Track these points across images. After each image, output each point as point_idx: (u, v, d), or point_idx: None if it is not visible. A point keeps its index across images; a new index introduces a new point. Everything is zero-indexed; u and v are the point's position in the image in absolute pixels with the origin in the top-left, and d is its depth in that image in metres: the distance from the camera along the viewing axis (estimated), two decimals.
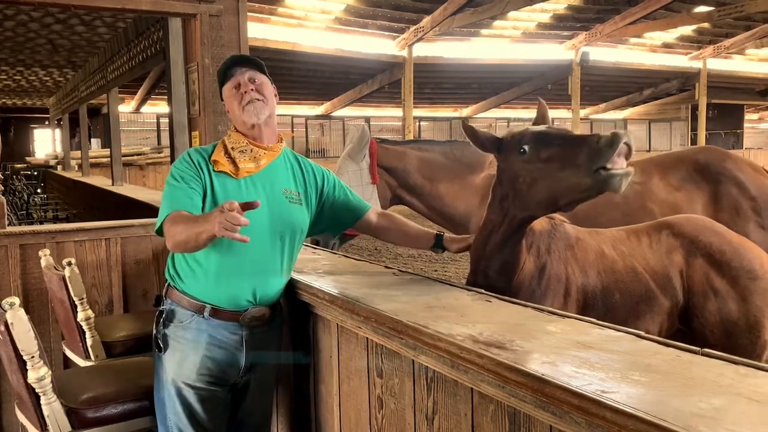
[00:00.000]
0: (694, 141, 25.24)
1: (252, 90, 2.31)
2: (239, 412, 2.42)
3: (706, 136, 24.73)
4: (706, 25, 21.12)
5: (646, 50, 23.92)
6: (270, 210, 2.28)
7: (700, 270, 2.71)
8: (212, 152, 2.33)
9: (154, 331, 2.31)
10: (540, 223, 2.59)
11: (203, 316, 2.25)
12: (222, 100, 2.41)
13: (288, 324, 2.57)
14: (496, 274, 2.46)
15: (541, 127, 2.33)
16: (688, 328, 2.72)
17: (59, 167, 15.29)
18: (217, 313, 2.26)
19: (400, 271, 2.53)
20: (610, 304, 2.62)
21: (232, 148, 2.31)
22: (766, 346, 2.72)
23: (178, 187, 2.22)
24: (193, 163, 2.28)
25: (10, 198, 11.99)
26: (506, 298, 2.08)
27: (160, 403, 2.30)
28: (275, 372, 2.54)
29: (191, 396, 2.24)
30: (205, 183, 2.26)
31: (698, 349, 1.48)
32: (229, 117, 2.42)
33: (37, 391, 2.27)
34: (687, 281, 2.71)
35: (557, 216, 2.75)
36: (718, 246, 2.75)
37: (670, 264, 2.73)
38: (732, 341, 2.64)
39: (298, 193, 2.41)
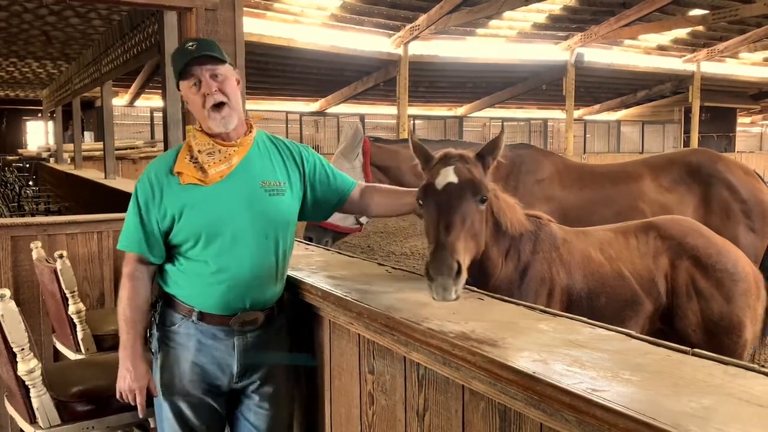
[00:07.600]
0: (686, 143, 25.32)
1: (216, 91, 2.08)
2: (245, 428, 2.28)
3: (698, 138, 24.83)
4: (700, 28, 21.21)
5: (641, 52, 24.01)
6: (251, 210, 2.12)
7: (686, 272, 2.74)
8: (174, 162, 2.13)
9: (147, 332, 2.21)
10: (523, 225, 2.56)
11: (192, 320, 2.14)
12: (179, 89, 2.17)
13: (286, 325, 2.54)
14: (473, 280, 2.46)
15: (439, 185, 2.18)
16: (671, 328, 2.75)
17: (52, 160, 15.20)
18: (204, 317, 2.14)
19: (393, 268, 2.51)
20: (595, 307, 2.63)
21: (199, 151, 2.12)
22: (747, 344, 2.77)
23: (136, 219, 2.15)
24: (153, 189, 2.12)
25: (2, 190, 11.93)
26: (498, 296, 2.09)
27: (157, 403, 2.22)
28: (287, 382, 2.35)
29: (183, 405, 2.16)
30: (171, 204, 2.10)
31: (688, 349, 1.49)
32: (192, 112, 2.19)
33: (26, 383, 2.26)
34: (672, 284, 2.74)
35: (543, 216, 2.74)
36: (704, 249, 2.78)
37: (656, 268, 2.75)
38: (714, 341, 2.67)
39: (280, 182, 2.20)
